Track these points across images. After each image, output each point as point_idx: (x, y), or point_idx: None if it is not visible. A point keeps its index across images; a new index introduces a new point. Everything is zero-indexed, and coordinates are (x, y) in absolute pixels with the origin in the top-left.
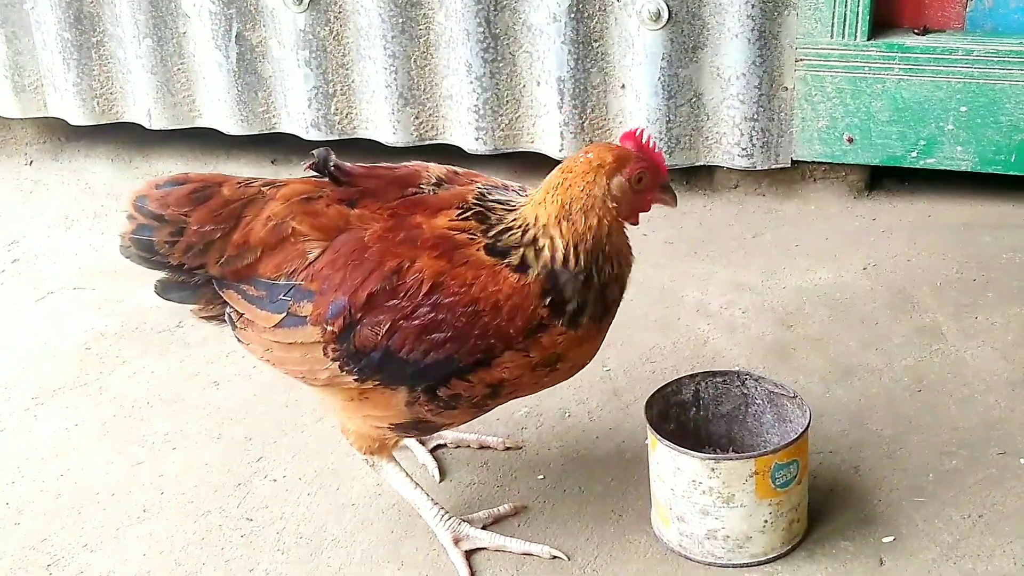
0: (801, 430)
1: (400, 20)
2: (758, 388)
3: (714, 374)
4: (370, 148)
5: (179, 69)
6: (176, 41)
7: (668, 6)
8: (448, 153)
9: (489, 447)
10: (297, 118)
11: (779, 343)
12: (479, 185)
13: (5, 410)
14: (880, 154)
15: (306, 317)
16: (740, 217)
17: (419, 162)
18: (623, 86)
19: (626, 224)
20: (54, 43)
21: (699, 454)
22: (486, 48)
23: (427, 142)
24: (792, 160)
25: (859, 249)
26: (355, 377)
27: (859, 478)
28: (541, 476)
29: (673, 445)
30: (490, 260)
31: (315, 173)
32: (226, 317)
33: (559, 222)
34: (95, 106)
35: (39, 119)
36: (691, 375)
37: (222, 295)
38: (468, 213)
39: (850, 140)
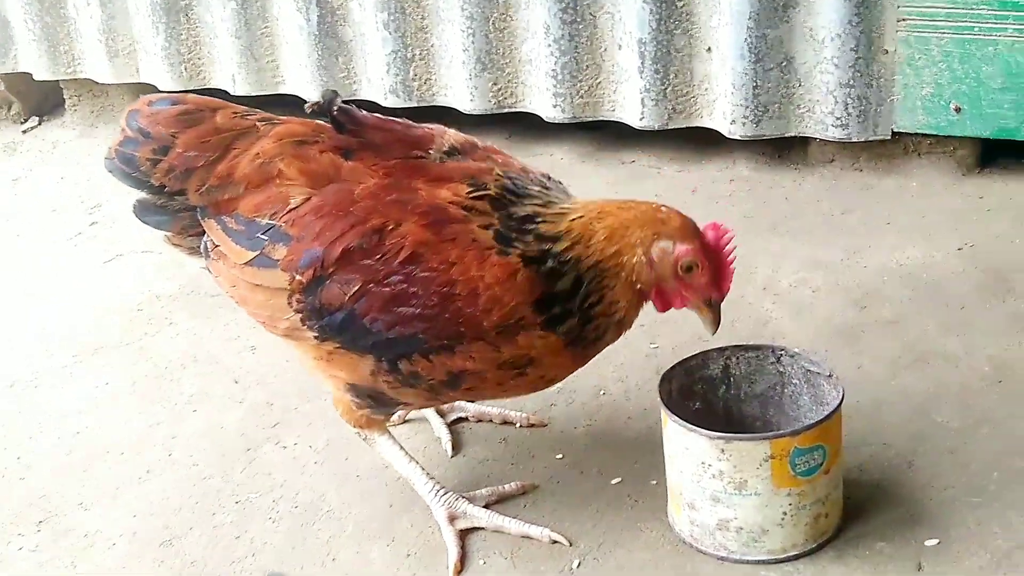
0: (829, 411)
1: None
2: (794, 366)
3: (745, 348)
4: (449, 117)
5: (262, 33)
6: (260, 4)
7: None
8: (526, 123)
9: (511, 423)
10: (376, 84)
11: (848, 324)
12: (499, 170)
13: (44, 367)
14: (991, 126)
15: (278, 261)
16: (831, 193)
17: (439, 126)
18: (709, 49)
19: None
20: (145, 6)
21: (707, 432)
22: (564, 8)
23: (505, 110)
24: (892, 132)
25: (957, 229)
26: (315, 335)
27: (912, 473)
28: (560, 456)
29: (681, 420)
30: (483, 243)
31: (320, 116)
32: (202, 247)
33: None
34: (183, 71)
35: (133, 84)
36: (720, 348)
37: (202, 224)
38: (481, 194)
39: (957, 109)
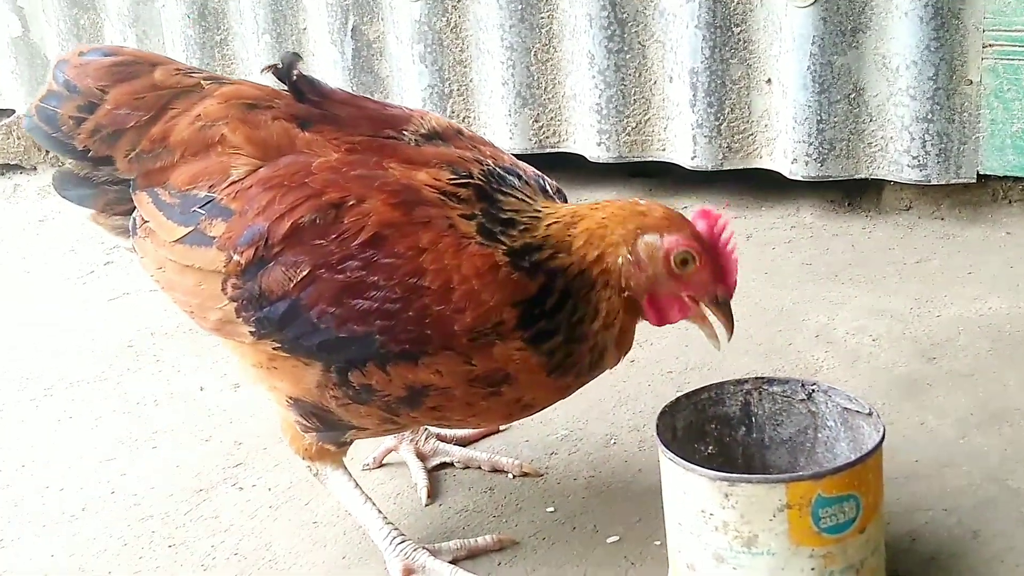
0: (865, 452)
1: (519, 7)
2: (829, 404)
3: (769, 381)
4: None
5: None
6: (296, 38)
7: None
8: (573, 166)
9: (502, 471)
10: None
11: (912, 377)
12: (488, 162)
13: (13, 398)
14: None
15: (214, 238)
16: (905, 241)
17: (420, 110)
18: (768, 80)
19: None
20: (180, 41)
21: (708, 471)
22: (611, 36)
23: (547, 150)
24: (978, 174)
25: None
26: (251, 329)
27: (977, 545)
28: (552, 509)
29: (676, 457)
30: (462, 231)
31: (277, 79)
32: (130, 223)
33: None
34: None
35: None
36: (738, 380)
37: (133, 197)
38: (464, 181)
39: None
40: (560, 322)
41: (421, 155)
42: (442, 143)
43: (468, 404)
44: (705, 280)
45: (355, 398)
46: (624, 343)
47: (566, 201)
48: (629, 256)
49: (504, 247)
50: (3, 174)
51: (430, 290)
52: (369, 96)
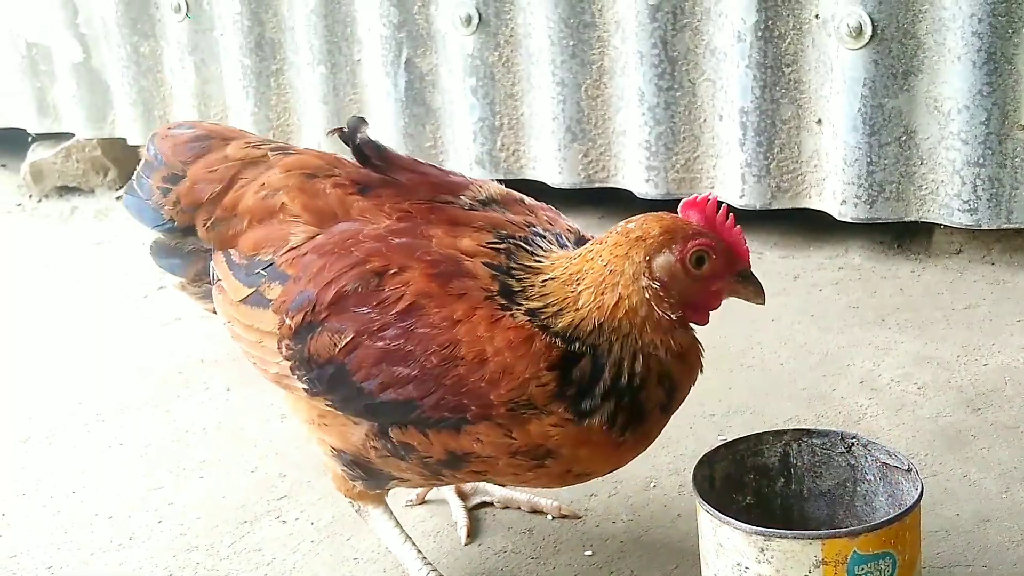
0: (903, 510)
1: (571, 43)
2: (868, 458)
3: (809, 432)
4: (537, 192)
5: (351, 100)
6: (350, 69)
7: (872, 19)
8: (622, 202)
9: (542, 512)
10: (463, 154)
11: (956, 427)
12: (538, 227)
13: (64, 424)
14: None
15: (271, 301)
16: (955, 286)
17: (482, 179)
18: (819, 120)
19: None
20: (236, 70)
21: (744, 526)
22: (661, 74)
23: (596, 184)
24: None
25: None
26: (305, 387)
27: None
28: (589, 552)
29: (713, 510)
30: (498, 302)
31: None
32: (211, 278)
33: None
34: (271, 137)
35: None
36: (777, 431)
37: (212, 258)
38: (502, 245)
39: None
40: (601, 389)
41: (471, 219)
42: (499, 208)
43: (516, 475)
44: (723, 265)
45: (394, 452)
46: (692, 364)
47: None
48: (653, 285)
49: (525, 308)
50: (62, 196)
51: (464, 360)
52: (427, 155)
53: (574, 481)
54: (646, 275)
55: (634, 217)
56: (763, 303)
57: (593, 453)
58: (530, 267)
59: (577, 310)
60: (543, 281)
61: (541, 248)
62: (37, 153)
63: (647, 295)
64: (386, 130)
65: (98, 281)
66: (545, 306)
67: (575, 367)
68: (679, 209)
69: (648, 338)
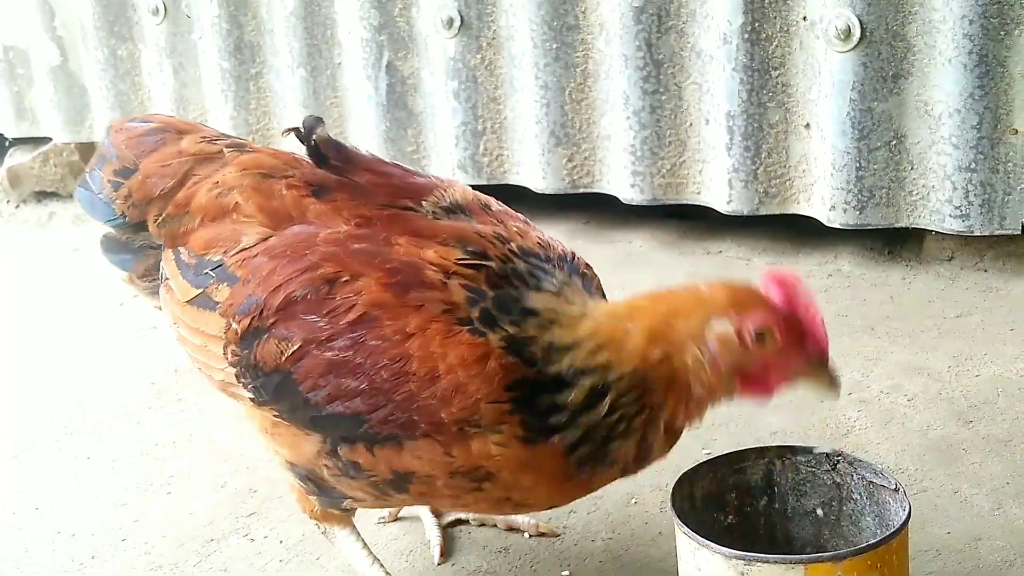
0: (889, 533)
1: (554, 46)
2: (854, 476)
3: (793, 450)
4: (521, 198)
5: (332, 103)
6: (330, 72)
7: (861, 22)
8: (607, 207)
9: (518, 530)
10: (445, 158)
11: (947, 441)
12: (512, 242)
13: (32, 438)
14: None
15: (218, 303)
16: (946, 294)
17: (448, 179)
18: (807, 124)
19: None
20: (215, 73)
21: (724, 549)
22: (646, 77)
23: (580, 190)
24: (1022, 225)
25: None
26: (251, 395)
27: None
28: (567, 572)
29: (691, 532)
30: (457, 315)
31: (299, 142)
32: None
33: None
34: (252, 141)
35: None
36: (760, 448)
37: (162, 254)
38: (477, 264)
39: None
40: (588, 421)
41: (435, 229)
42: (464, 216)
43: (453, 496)
44: (792, 348)
45: (344, 472)
46: (672, 439)
47: (594, 277)
48: (701, 354)
49: (504, 334)
50: (40, 201)
51: (415, 376)
52: (406, 157)
53: (512, 511)
54: (698, 343)
55: (717, 282)
56: (836, 397)
57: (537, 481)
58: (560, 306)
59: (619, 351)
60: (594, 321)
61: (543, 272)
62: (15, 158)
63: (690, 363)
64: (367, 134)
65: (74, 288)
66: (576, 344)
67: (560, 400)
68: (766, 278)
69: (662, 399)
